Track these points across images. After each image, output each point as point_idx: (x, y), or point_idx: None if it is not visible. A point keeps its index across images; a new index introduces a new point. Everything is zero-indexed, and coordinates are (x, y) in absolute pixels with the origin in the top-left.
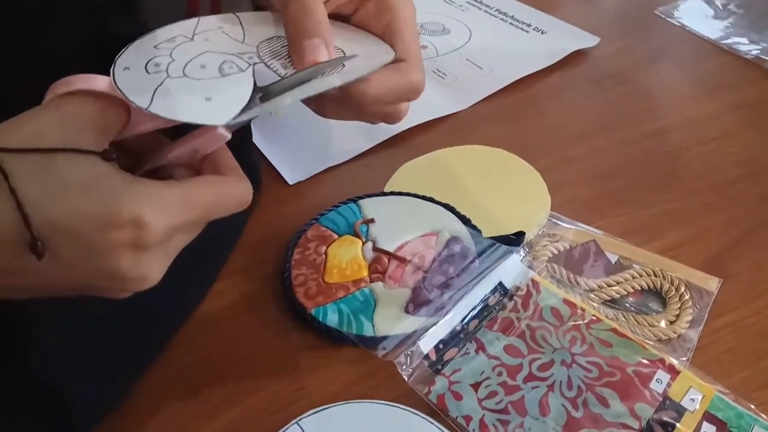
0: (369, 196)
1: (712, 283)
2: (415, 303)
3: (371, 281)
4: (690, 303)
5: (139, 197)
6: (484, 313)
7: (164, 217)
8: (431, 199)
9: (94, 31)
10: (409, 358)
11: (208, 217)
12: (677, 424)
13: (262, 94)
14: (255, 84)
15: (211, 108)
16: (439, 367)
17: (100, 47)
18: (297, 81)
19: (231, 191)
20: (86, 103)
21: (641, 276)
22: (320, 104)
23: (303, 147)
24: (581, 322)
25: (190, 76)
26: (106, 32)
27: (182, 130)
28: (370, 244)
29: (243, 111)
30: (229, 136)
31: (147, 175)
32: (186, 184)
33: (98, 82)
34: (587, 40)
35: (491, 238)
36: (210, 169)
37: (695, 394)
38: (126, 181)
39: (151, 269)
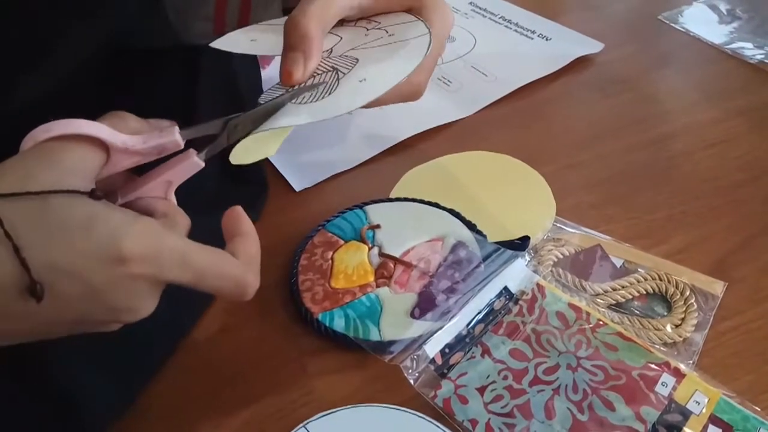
0: (375, 202)
1: (717, 287)
2: (421, 308)
3: (377, 286)
4: (695, 307)
5: (138, 235)
6: (490, 317)
7: (160, 254)
8: (437, 205)
9: (105, 49)
10: (415, 362)
11: (198, 283)
12: (683, 427)
13: (228, 124)
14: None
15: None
16: (445, 371)
17: (111, 65)
18: (262, 112)
19: (231, 270)
20: (68, 148)
21: (646, 280)
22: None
23: (309, 154)
24: (586, 326)
25: None
26: (118, 49)
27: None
28: (376, 250)
29: (210, 142)
30: (202, 164)
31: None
32: (188, 242)
33: (77, 126)
34: (592, 46)
35: (496, 243)
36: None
37: (700, 397)
38: (124, 219)
39: (144, 301)
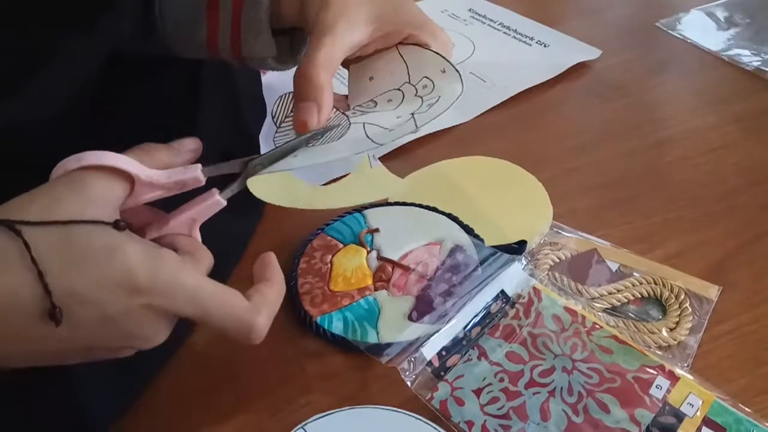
0: (374, 206)
1: (712, 291)
2: (419, 310)
3: (376, 289)
4: (690, 310)
5: (154, 268)
6: (487, 320)
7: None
8: (435, 209)
9: (97, 65)
10: (412, 364)
11: (205, 320)
12: (677, 430)
13: (247, 165)
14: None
15: None
16: (442, 373)
17: (104, 81)
18: (279, 154)
19: (236, 310)
20: (96, 177)
21: (641, 284)
22: None
23: None
24: (582, 329)
25: None
26: (111, 64)
27: (180, 203)
28: (374, 253)
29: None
30: (224, 203)
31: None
32: (202, 280)
33: (107, 158)
34: (589, 53)
35: (493, 246)
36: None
37: (695, 399)
38: (143, 251)
39: (158, 331)
